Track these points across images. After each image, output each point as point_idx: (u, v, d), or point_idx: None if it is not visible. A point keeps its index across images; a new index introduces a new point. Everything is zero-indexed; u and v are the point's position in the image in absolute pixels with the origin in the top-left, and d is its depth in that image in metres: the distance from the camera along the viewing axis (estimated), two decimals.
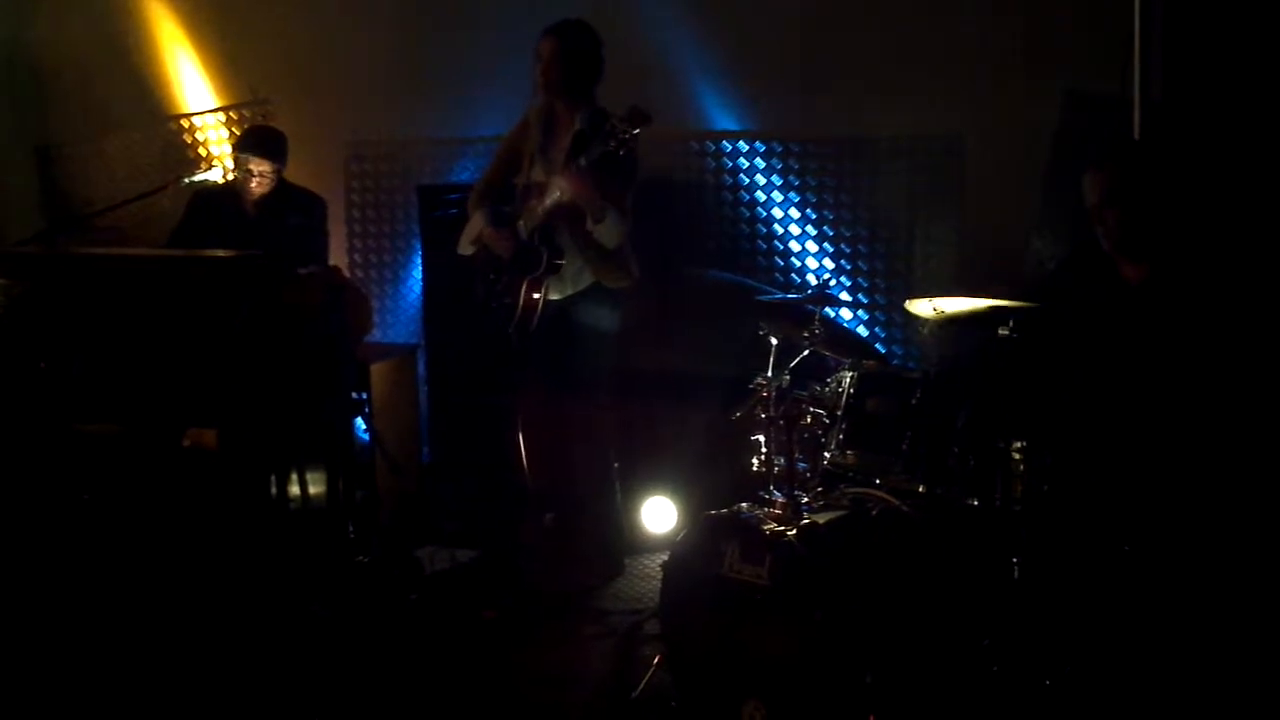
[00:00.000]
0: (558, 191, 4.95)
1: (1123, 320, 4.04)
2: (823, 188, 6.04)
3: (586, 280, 5.16)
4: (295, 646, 4.51)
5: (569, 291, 5.18)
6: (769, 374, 4.34)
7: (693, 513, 4.99)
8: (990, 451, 3.99)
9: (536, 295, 5.11)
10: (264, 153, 5.64)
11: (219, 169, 5.89)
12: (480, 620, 4.86)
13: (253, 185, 5.65)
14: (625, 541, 5.47)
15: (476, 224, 5.30)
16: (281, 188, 5.75)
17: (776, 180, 6.12)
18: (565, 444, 5.35)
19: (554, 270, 5.06)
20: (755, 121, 6.13)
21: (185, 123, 7.32)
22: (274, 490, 4.77)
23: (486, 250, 5.28)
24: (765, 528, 3.87)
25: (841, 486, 4.33)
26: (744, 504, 4.11)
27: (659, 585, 4.15)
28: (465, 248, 5.39)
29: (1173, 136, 4.74)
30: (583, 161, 4.83)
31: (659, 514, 5.53)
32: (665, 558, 4.14)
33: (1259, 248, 4.42)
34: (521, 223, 5.16)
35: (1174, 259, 4.04)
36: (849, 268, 6.02)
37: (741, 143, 6.15)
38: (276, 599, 4.66)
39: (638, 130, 4.67)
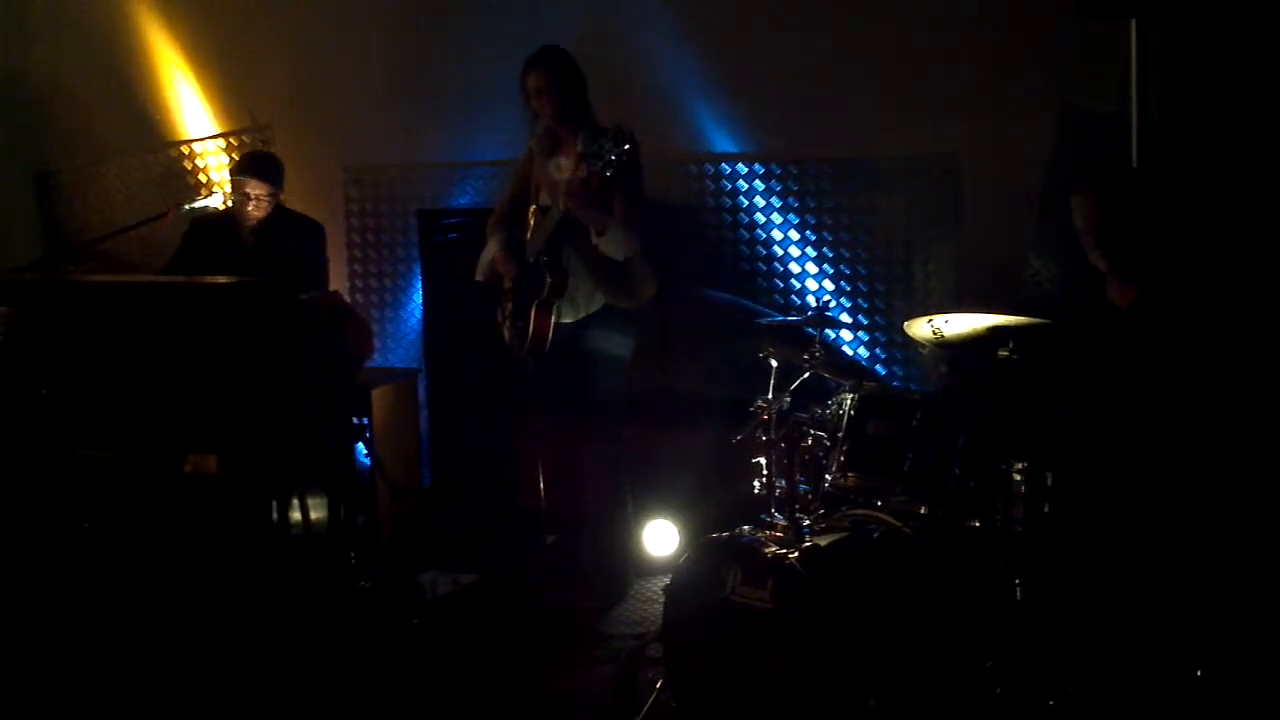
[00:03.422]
0: (557, 213, 4.97)
1: (1113, 345, 4.05)
2: (821, 209, 6.05)
3: (598, 303, 5.16)
4: (297, 673, 4.50)
5: (581, 314, 5.18)
6: (769, 396, 4.35)
7: (694, 536, 4.98)
8: (991, 473, 3.99)
9: (548, 319, 5.11)
10: (259, 174, 5.64)
11: (218, 195, 5.88)
12: (483, 644, 4.85)
13: (249, 208, 5.63)
14: (630, 565, 5.46)
15: (491, 250, 5.31)
16: (279, 214, 5.74)
17: (776, 202, 6.13)
18: (576, 468, 5.35)
19: (557, 294, 5.06)
20: (754, 143, 6.14)
21: (184, 149, 7.33)
22: (275, 516, 4.76)
23: (501, 276, 5.31)
24: (767, 550, 3.87)
25: (843, 508, 4.34)
26: (746, 527, 4.11)
27: (661, 608, 4.15)
28: (481, 273, 5.40)
29: (1169, 156, 4.75)
30: (582, 174, 4.85)
31: (661, 537, 5.52)
32: (667, 581, 4.14)
33: (1254, 269, 4.43)
34: (528, 247, 5.17)
35: (1164, 283, 4.04)
36: (848, 289, 6.02)
37: (740, 165, 6.16)
38: (278, 625, 4.65)
39: (626, 147, 4.68)
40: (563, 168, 5.07)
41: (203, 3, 7.21)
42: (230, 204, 5.74)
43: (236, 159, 6.04)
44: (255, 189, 5.63)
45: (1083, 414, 4.10)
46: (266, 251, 5.65)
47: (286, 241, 5.69)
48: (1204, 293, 4.05)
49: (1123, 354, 4.04)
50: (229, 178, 5.86)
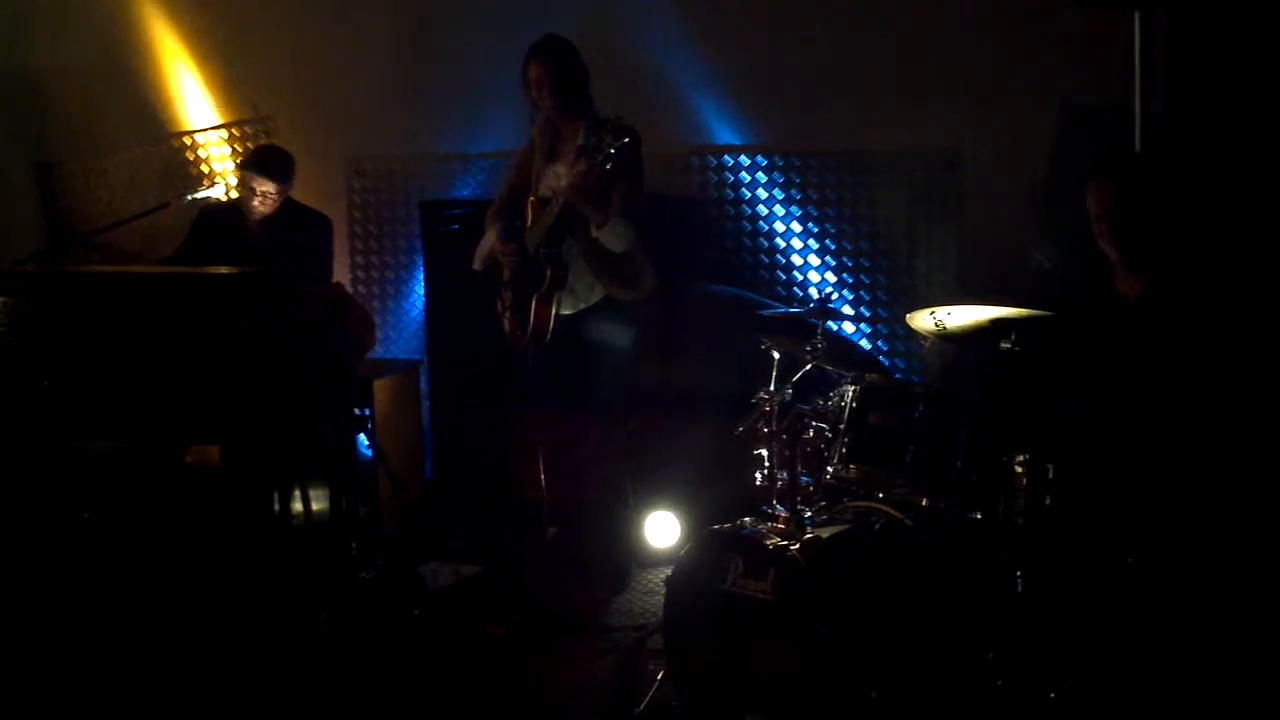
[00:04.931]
0: (556, 205, 4.97)
1: (1120, 335, 4.05)
2: (824, 201, 6.05)
3: (597, 295, 5.16)
4: (298, 663, 4.51)
5: (580, 306, 5.17)
6: (771, 388, 4.35)
7: (696, 527, 4.98)
8: (993, 465, 3.99)
9: (548, 311, 5.11)
10: (267, 172, 5.62)
11: (220, 186, 5.89)
12: (484, 636, 4.85)
13: (255, 204, 5.64)
14: (631, 557, 5.46)
15: (489, 240, 5.31)
16: (287, 206, 5.74)
17: (778, 194, 6.13)
18: (577, 459, 5.35)
19: (557, 286, 5.06)
20: (756, 136, 6.14)
21: (186, 140, 7.33)
22: (277, 506, 4.77)
23: (499, 266, 5.31)
24: (768, 542, 3.87)
25: (844, 500, 4.34)
26: (747, 518, 4.11)
27: (663, 600, 4.15)
28: (479, 263, 5.40)
29: (1172, 148, 4.75)
30: (581, 167, 4.84)
31: (662, 529, 5.52)
32: (668, 572, 4.14)
33: (1258, 261, 4.43)
34: (528, 239, 5.17)
35: (1172, 273, 4.05)
36: (850, 281, 6.02)
37: (743, 157, 6.15)
38: (279, 616, 4.66)
39: (625, 141, 4.68)
40: (560, 175, 5.06)
41: None
42: (237, 198, 5.74)
43: (246, 153, 5.99)
44: (262, 185, 5.62)
45: (1088, 406, 4.10)
46: (273, 243, 5.65)
47: (293, 234, 5.69)
48: (1211, 283, 4.05)
49: (1130, 344, 4.04)
50: (239, 172, 5.84)
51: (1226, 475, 3.87)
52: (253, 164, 5.69)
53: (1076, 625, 3.86)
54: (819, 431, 4.33)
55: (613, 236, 4.96)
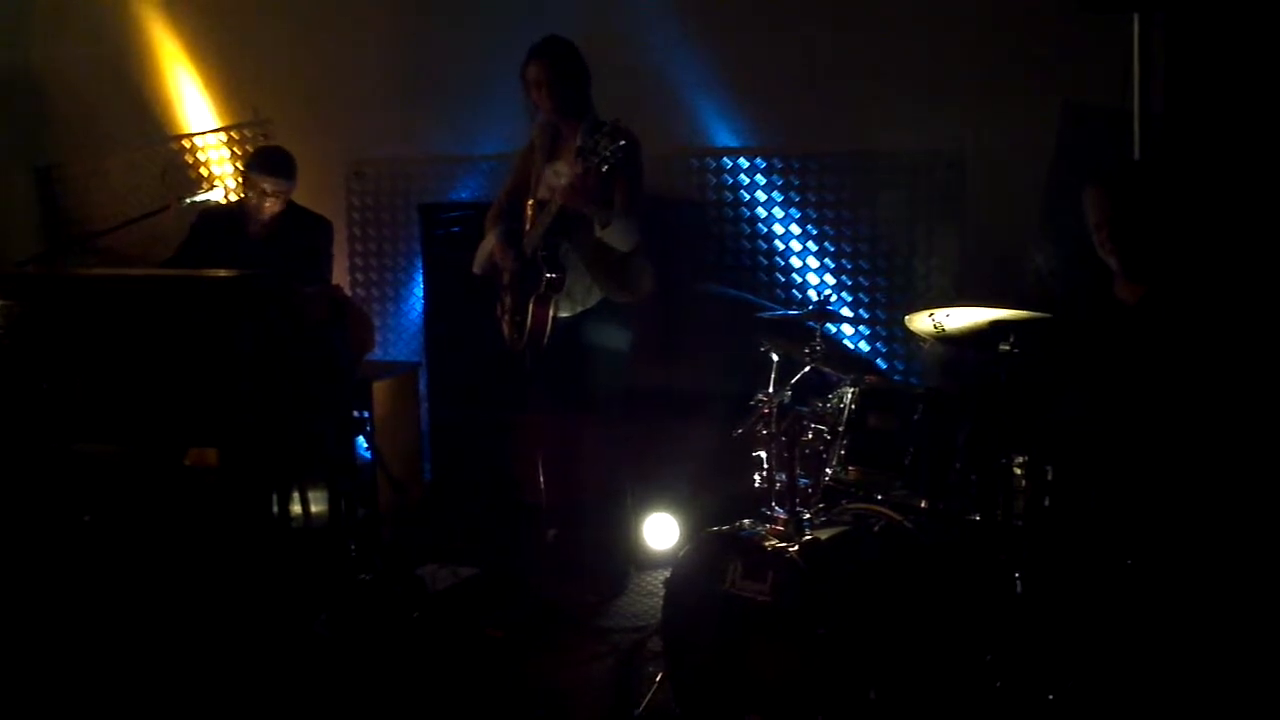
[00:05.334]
0: (554, 208, 4.96)
1: (1120, 338, 4.05)
2: (823, 204, 6.05)
3: (595, 297, 5.16)
4: (297, 665, 4.51)
5: (578, 309, 5.17)
6: (770, 390, 4.35)
7: (694, 529, 4.98)
8: (992, 467, 3.99)
9: (546, 313, 5.11)
10: (276, 171, 5.63)
11: (220, 189, 5.88)
12: (483, 638, 4.85)
13: (266, 205, 5.64)
14: (630, 559, 5.46)
15: (489, 243, 5.31)
16: (288, 209, 5.74)
17: (777, 196, 6.12)
18: (575, 462, 5.35)
19: (555, 289, 5.06)
20: (756, 138, 6.14)
21: (186, 143, 7.33)
22: (275, 509, 4.76)
23: (499, 270, 5.30)
24: (767, 544, 3.87)
25: (843, 502, 4.34)
26: (746, 520, 4.10)
27: (661, 602, 4.14)
28: (479, 267, 5.40)
29: (1173, 151, 4.74)
30: (578, 170, 4.84)
31: (661, 531, 5.52)
32: (667, 574, 4.13)
33: (1259, 265, 4.42)
34: (525, 242, 5.16)
35: (1172, 279, 4.04)
36: (850, 283, 6.02)
37: (742, 159, 6.15)
38: (278, 618, 4.65)
39: (621, 143, 4.69)
40: (560, 173, 5.06)
41: None
42: (245, 200, 5.74)
43: (250, 156, 5.99)
44: (274, 185, 5.62)
45: (1087, 409, 4.09)
46: (273, 246, 5.64)
47: (293, 236, 5.69)
48: (1211, 288, 4.05)
49: (1129, 349, 4.03)
50: (244, 174, 5.83)
51: (1225, 477, 3.86)
52: (259, 164, 5.69)
53: (1075, 627, 3.86)
54: (818, 433, 4.32)
55: (618, 236, 4.96)
